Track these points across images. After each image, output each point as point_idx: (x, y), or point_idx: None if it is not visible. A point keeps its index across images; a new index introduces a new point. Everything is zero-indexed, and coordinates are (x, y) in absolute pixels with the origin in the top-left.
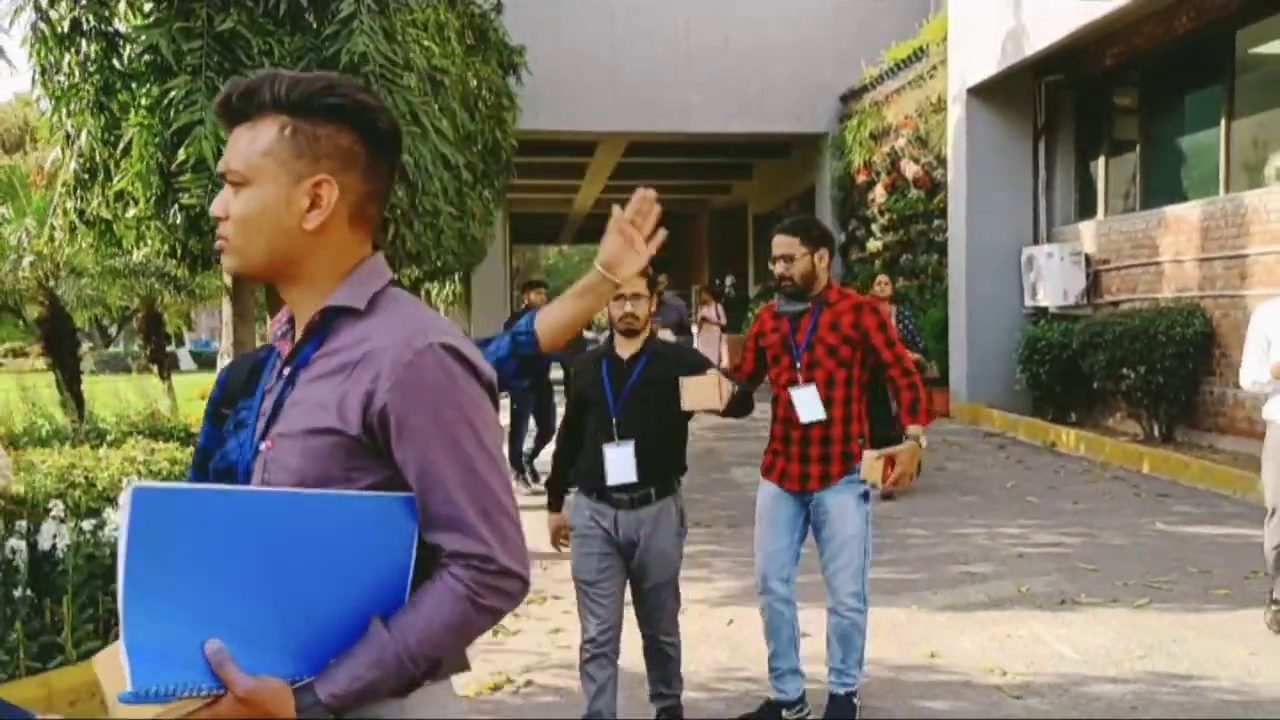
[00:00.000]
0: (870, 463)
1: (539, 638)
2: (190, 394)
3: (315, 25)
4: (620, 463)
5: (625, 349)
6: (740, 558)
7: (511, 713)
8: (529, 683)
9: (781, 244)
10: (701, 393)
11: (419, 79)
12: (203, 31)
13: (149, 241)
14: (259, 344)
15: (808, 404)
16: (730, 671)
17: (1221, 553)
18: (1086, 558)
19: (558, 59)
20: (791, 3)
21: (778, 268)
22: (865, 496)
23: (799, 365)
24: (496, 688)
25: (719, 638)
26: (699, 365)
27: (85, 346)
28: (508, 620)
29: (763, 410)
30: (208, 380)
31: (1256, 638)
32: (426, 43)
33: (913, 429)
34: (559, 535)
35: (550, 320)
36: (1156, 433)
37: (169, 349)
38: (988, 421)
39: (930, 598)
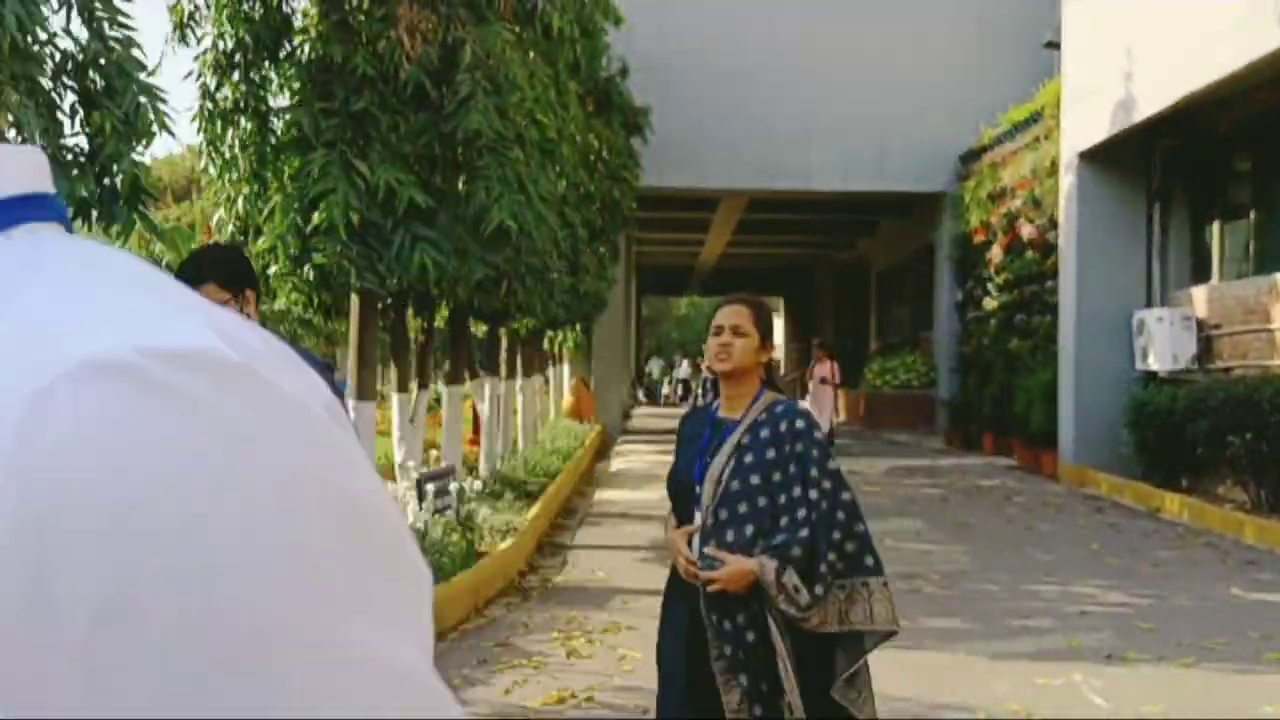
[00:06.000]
0: None
1: (608, 662)
2: None
3: (438, 103)
4: None
5: None
6: None
7: None
8: (590, 699)
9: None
10: None
11: (529, 150)
12: (339, 110)
13: (288, 294)
14: (380, 386)
15: None
16: None
17: None
18: (1147, 617)
19: (682, 119)
20: (914, 65)
21: None
22: None
23: None
24: (561, 700)
25: None
26: None
27: None
28: (581, 645)
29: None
30: None
31: None
32: (540, 116)
33: None
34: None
35: None
36: (1264, 501)
37: None
38: (1094, 484)
39: (980, 646)
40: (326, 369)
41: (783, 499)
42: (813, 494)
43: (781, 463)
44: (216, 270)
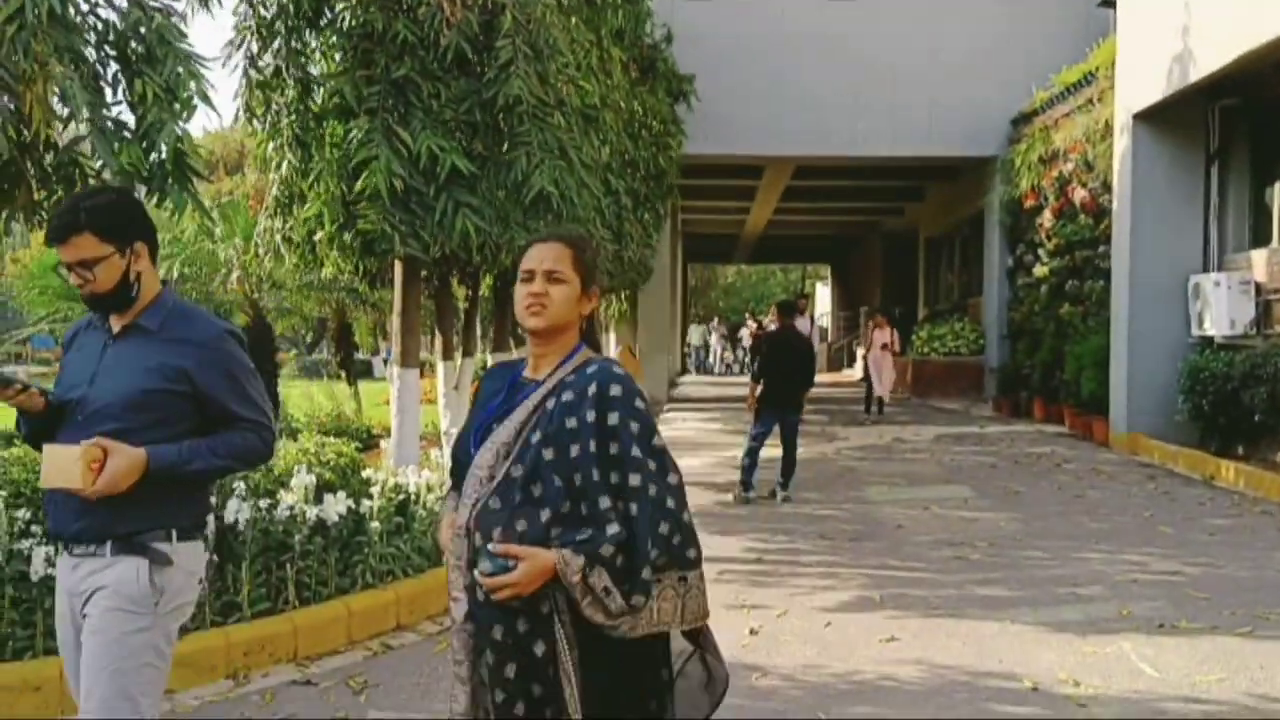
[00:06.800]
0: None
1: None
2: (375, 399)
3: (479, 70)
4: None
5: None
6: (855, 567)
7: None
8: None
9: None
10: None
11: (570, 116)
12: (381, 78)
13: (333, 261)
14: (426, 355)
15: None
16: (814, 667)
17: None
18: (1201, 586)
19: (727, 86)
20: (963, 28)
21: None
22: None
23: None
24: None
25: (813, 637)
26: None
27: (291, 353)
28: None
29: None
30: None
31: None
32: (583, 82)
33: None
34: None
35: None
36: None
37: (364, 358)
38: (1147, 452)
39: (1027, 614)
40: (229, 335)
41: (578, 479)
42: (635, 479)
43: (581, 435)
44: (94, 219)
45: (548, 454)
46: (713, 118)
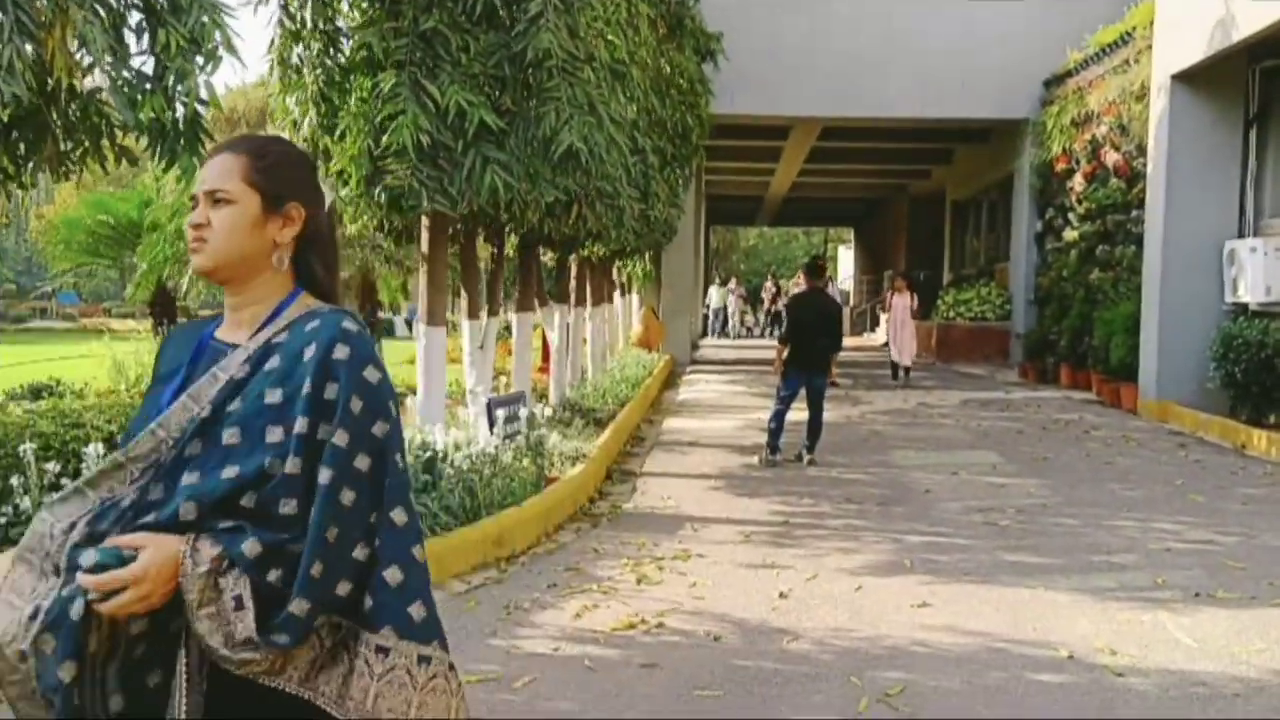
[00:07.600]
0: None
1: (678, 588)
2: (399, 358)
3: (508, 22)
4: None
5: None
6: (884, 532)
7: (639, 649)
8: (660, 625)
9: None
10: None
11: (599, 71)
12: (408, 30)
13: (359, 217)
14: (450, 314)
15: None
16: (845, 631)
17: None
18: (1237, 556)
19: (755, 44)
20: None
21: None
22: None
23: None
24: (631, 626)
25: (843, 601)
26: None
27: None
28: (651, 571)
29: (898, 398)
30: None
31: None
32: (611, 36)
33: None
34: None
35: None
36: None
37: (385, 316)
38: (1177, 420)
39: (1060, 581)
40: None
41: (268, 462)
42: (324, 475)
43: (287, 415)
44: None
45: (229, 436)
46: (740, 77)
